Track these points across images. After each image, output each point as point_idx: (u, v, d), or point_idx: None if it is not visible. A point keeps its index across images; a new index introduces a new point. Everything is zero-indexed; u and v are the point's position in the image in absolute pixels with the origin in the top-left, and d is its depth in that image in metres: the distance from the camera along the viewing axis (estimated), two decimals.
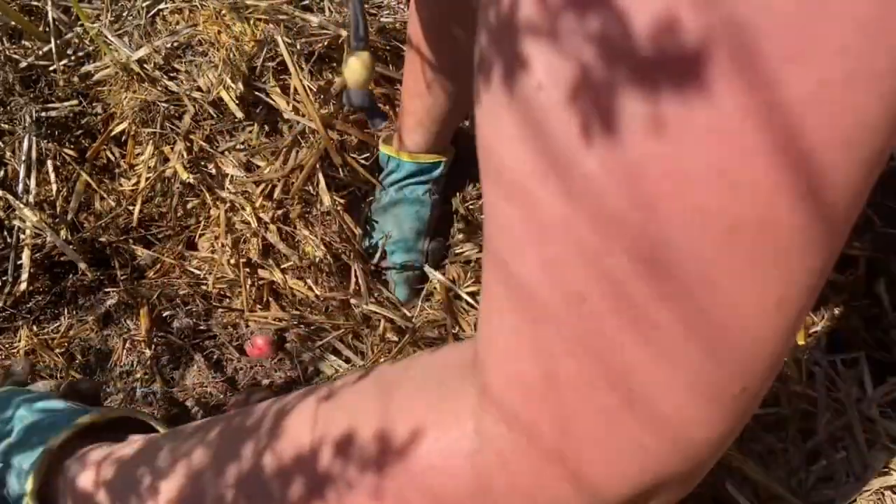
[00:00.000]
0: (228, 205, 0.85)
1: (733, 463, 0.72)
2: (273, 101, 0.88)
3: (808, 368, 0.78)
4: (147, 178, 0.89)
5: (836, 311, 0.82)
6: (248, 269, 0.83)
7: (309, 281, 0.83)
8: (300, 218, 0.84)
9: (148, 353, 0.80)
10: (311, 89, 0.87)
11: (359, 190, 0.89)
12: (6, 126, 0.90)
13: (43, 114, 0.91)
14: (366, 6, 0.97)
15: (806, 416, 0.74)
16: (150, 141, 0.89)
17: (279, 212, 0.84)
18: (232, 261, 0.83)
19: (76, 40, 0.98)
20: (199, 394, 0.78)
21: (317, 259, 0.82)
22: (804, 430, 0.74)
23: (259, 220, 0.84)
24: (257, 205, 0.84)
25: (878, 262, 0.86)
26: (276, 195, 0.83)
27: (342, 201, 0.86)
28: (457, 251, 0.89)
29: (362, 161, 0.88)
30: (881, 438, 0.71)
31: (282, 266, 0.84)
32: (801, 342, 0.80)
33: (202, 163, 0.88)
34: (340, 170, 0.86)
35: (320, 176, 0.84)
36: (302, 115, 0.86)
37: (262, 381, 0.79)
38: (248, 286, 0.84)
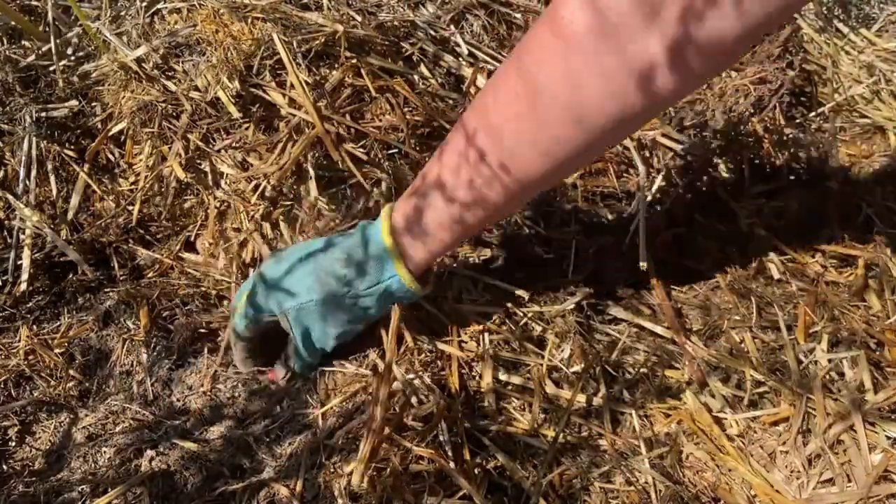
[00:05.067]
0: (223, 206, 0.86)
1: (733, 464, 0.72)
2: (270, 97, 0.87)
3: (809, 369, 0.77)
4: (146, 178, 0.89)
5: (836, 312, 0.81)
6: (241, 273, 0.83)
7: None
8: (284, 218, 0.84)
9: (147, 353, 0.80)
10: (307, 83, 0.87)
11: (350, 189, 0.88)
12: (6, 126, 0.90)
13: (43, 114, 0.91)
14: (364, 5, 0.96)
15: (806, 418, 0.73)
16: (149, 140, 0.89)
17: (273, 211, 0.85)
18: (229, 266, 0.84)
19: (76, 40, 0.98)
20: (198, 393, 0.78)
21: None
22: (805, 433, 0.73)
23: (252, 219, 0.84)
24: (252, 202, 0.84)
25: (878, 263, 0.85)
26: (267, 193, 0.84)
27: (332, 205, 0.85)
28: None
29: (359, 153, 0.87)
30: (882, 442, 0.70)
31: None
32: (801, 342, 0.79)
33: (199, 162, 0.88)
34: (339, 163, 0.85)
35: (310, 168, 0.83)
36: (298, 107, 0.86)
37: (263, 382, 0.79)
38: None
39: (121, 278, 0.87)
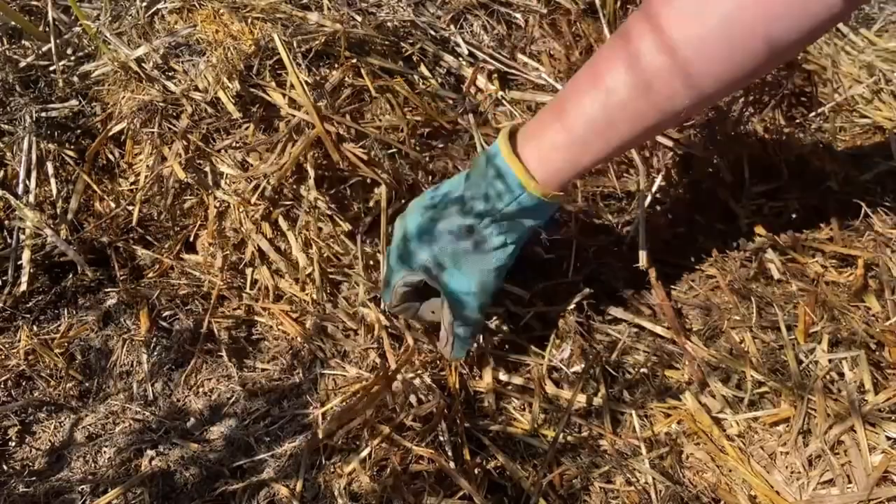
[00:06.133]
0: (223, 206, 0.86)
1: (733, 465, 0.72)
2: (270, 97, 0.87)
3: (809, 369, 0.77)
4: (146, 178, 0.89)
5: (836, 312, 0.81)
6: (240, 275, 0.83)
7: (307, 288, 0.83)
8: (286, 218, 0.84)
9: (147, 353, 0.80)
10: (307, 83, 0.86)
11: (350, 189, 0.88)
12: (6, 126, 0.90)
13: (43, 114, 0.91)
14: (365, 5, 0.96)
15: (807, 418, 0.73)
16: (149, 140, 0.89)
17: (274, 210, 0.85)
18: (225, 268, 0.84)
19: (76, 40, 0.98)
20: (198, 394, 0.78)
21: (306, 271, 0.82)
22: (805, 433, 0.73)
23: (252, 221, 0.84)
24: (252, 201, 0.84)
25: (878, 263, 0.85)
26: (267, 193, 0.84)
27: (334, 205, 0.85)
28: None
29: (359, 153, 0.87)
30: (883, 443, 0.70)
31: (274, 268, 0.84)
32: (801, 342, 0.79)
33: (199, 162, 0.88)
34: (339, 163, 0.85)
35: (310, 168, 0.83)
36: (298, 107, 0.86)
37: (263, 382, 0.79)
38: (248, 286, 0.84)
39: (121, 278, 0.87)
